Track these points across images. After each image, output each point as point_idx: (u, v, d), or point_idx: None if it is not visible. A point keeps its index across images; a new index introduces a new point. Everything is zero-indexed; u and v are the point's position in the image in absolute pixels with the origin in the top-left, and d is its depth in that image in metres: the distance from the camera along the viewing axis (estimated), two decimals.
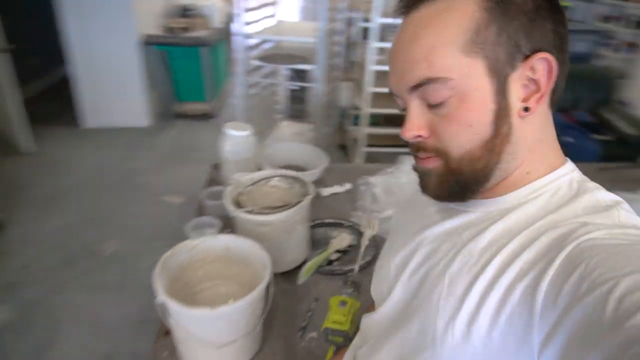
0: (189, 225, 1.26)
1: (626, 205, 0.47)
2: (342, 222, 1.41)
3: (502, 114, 0.48)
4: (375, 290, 0.69)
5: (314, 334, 0.99)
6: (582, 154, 2.93)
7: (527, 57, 0.47)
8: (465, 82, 0.47)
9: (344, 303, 0.82)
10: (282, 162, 1.72)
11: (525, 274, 0.44)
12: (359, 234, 1.34)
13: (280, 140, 2.62)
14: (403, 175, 1.41)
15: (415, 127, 0.51)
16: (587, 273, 0.38)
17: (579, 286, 0.38)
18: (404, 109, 0.53)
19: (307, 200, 1.11)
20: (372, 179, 1.45)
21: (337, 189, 1.61)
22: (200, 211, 1.41)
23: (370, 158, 2.97)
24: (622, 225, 0.44)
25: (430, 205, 0.61)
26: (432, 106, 0.49)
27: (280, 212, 1.08)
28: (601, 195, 0.48)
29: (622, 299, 0.35)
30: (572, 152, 2.35)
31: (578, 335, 0.37)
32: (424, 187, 0.55)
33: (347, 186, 1.62)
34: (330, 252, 1.24)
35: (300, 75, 3.58)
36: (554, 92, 0.50)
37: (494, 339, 0.44)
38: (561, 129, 3.04)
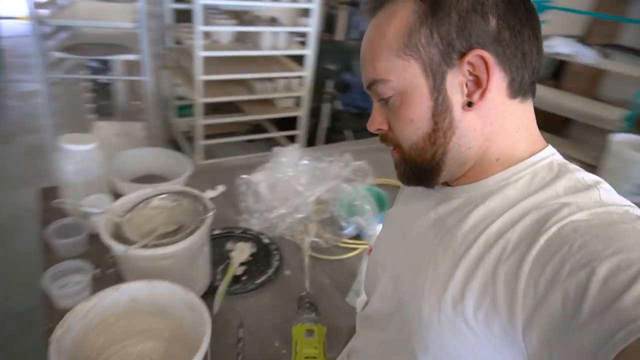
0: (47, 275, 0.96)
1: (606, 185, 0.50)
2: (233, 230, 1.27)
3: (440, 109, 0.51)
4: (366, 283, 0.72)
5: None
6: None
7: (463, 54, 0.48)
8: (402, 83, 0.51)
9: (310, 332, 0.73)
10: (135, 173, 1.45)
11: (508, 255, 0.45)
12: (257, 240, 1.24)
13: (105, 145, 2.22)
14: (288, 169, 1.34)
15: (375, 121, 0.57)
16: (570, 255, 0.40)
17: (561, 268, 0.40)
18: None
19: (210, 218, 0.96)
20: (254, 177, 1.34)
21: (210, 193, 1.44)
22: (49, 255, 1.09)
23: (209, 152, 2.78)
24: (604, 204, 0.46)
25: (416, 198, 0.64)
26: (384, 103, 0.54)
27: (182, 237, 0.90)
28: (581, 175, 0.50)
29: (606, 280, 0.37)
30: None
31: (560, 318, 0.39)
32: (397, 175, 0.60)
33: (221, 188, 1.47)
34: (235, 267, 1.11)
35: (105, 66, 3.09)
36: (511, 82, 0.50)
37: (479, 322, 0.46)
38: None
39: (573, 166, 0.53)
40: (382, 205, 1.32)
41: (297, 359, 0.69)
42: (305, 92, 2.82)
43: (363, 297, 0.96)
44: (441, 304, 0.49)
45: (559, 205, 0.46)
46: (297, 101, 2.93)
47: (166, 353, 0.83)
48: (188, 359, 0.80)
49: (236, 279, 1.10)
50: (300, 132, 2.96)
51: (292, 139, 3.04)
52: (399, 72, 0.51)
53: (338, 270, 1.18)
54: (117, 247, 0.86)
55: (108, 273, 1.08)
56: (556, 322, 0.39)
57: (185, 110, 3.30)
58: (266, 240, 1.23)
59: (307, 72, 2.75)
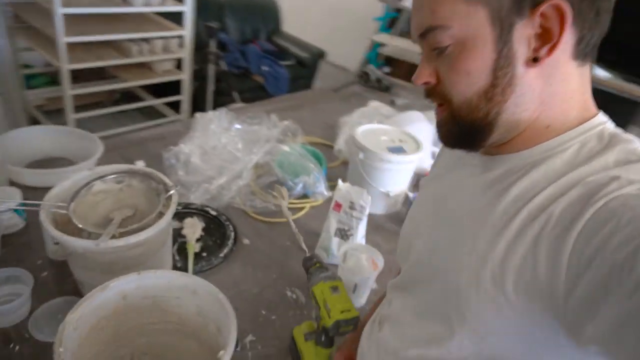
0: None
1: None
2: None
3: (503, 63, 0.47)
4: (400, 251, 0.69)
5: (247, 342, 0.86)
6: (279, 80, 3.31)
7: (537, 4, 0.44)
8: (464, 30, 0.47)
9: (335, 289, 0.73)
10: (28, 158, 1.22)
11: (551, 228, 0.43)
12: (203, 214, 1.16)
13: None
14: (221, 135, 1.26)
15: (424, 74, 0.52)
16: (618, 229, 0.38)
17: (609, 241, 0.38)
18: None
19: (175, 195, 0.87)
20: (185, 147, 1.23)
21: None
22: None
23: (80, 128, 2.42)
24: None
25: (454, 166, 0.62)
26: (439, 53, 0.50)
27: (153, 221, 0.81)
28: (635, 146, 0.46)
29: None
30: (270, 79, 2.72)
31: (605, 289, 0.38)
32: (439, 135, 0.56)
33: (141, 164, 1.32)
34: (193, 245, 1.04)
35: None
36: (579, 42, 0.47)
37: (519, 296, 0.45)
38: (257, 59, 3.29)
39: (626, 136, 0.48)
40: (320, 162, 1.34)
41: (333, 315, 0.69)
42: (186, 53, 2.61)
43: (338, 250, 0.99)
44: (480, 278, 0.48)
45: (607, 178, 0.42)
46: (178, 64, 2.71)
47: (167, 347, 0.76)
48: (199, 348, 0.75)
49: (197, 257, 1.03)
50: (184, 97, 2.76)
51: (174, 106, 2.82)
52: (463, 19, 0.46)
53: (292, 231, 1.18)
54: (83, 243, 0.73)
55: (42, 276, 0.91)
56: (601, 293, 0.38)
57: (35, 80, 2.80)
58: (213, 212, 1.17)
59: (187, 31, 2.54)
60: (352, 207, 1.02)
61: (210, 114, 1.34)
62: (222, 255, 1.04)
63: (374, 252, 1.00)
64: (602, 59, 2.95)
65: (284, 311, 0.95)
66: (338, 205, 1.03)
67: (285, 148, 1.32)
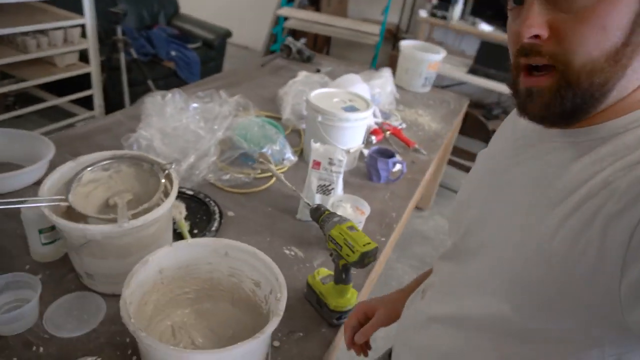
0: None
1: None
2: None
3: None
4: (452, 222, 0.67)
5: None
6: (190, 65, 3.21)
7: None
8: None
9: (352, 228, 0.80)
10: None
11: (614, 203, 0.40)
12: (180, 195, 1.16)
13: None
14: (181, 116, 1.25)
15: (535, 22, 0.43)
16: None
17: None
18: (520, 2, 0.46)
19: (174, 171, 0.88)
20: (145, 132, 1.21)
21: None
22: None
23: None
24: None
25: (515, 141, 0.58)
26: (555, 2, 0.42)
27: (158, 200, 0.82)
28: None
29: None
30: (181, 64, 2.74)
31: None
32: (524, 108, 0.48)
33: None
34: (184, 224, 1.04)
35: None
36: None
37: (568, 266, 0.43)
38: (165, 44, 3.15)
39: None
40: (279, 131, 1.39)
41: (357, 249, 0.77)
42: (90, 43, 2.43)
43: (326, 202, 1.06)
44: (529, 248, 0.46)
45: None
46: (82, 56, 2.50)
47: (203, 314, 0.79)
48: (233, 308, 0.79)
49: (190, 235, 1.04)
50: (95, 91, 2.57)
51: (84, 103, 2.62)
52: None
53: (270, 197, 1.23)
54: (105, 228, 0.72)
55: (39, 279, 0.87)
56: None
57: None
58: (190, 192, 1.17)
59: (88, 19, 2.36)
60: (331, 162, 1.09)
61: (160, 97, 1.31)
62: (213, 229, 1.06)
63: (358, 200, 1.10)
64: (483, 14, 3.32)
65: (289, 268, 1.01)
66: (317, 164, 1.10)
67: (245, 121, 1.35)
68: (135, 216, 0.77)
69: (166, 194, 0.83)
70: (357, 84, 1.60)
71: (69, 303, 0.82)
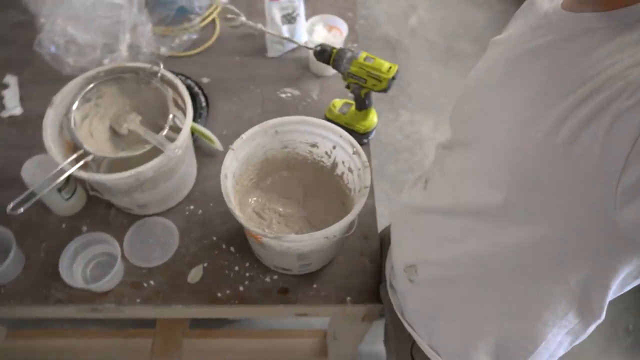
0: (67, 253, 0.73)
1: None
2: None
3: None
4: (456, 108, 0.65)
5: None
6: None
7: None
8: None
9: (367, 58, 0.81)
10: None
11: (626, 98, 0.38)
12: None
13: None
14: None
15: None
16: None
17: None
18: None
19: (169, 73, 0.78)
20: (52, 27, 0.97)
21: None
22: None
23: None
24: None
25: (531, 28, 0.54)
26: None
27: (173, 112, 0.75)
28: None
29: None
30: None
31: None
32: None
33: (12, 80, 1.04)
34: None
35: None
36: None
37: (571, 156, 0.42)
38: None
39: None
40: None
41: (384, 77, 0.80)
42: None
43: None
44: (532, 140, 0.46)
45: None
46: None
47: (271, 187, 0.84)
48: (291, 175, 0.84)
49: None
50: None
51: None
52: None
53: (230, 45, 1.13)
54: (153, 164, 0.68)
55: (84, 232, 0.84)
56: None
57: None
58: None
59: None
60: None
61: None
62: (204, 105, 1.00)
63: (330, 19, 1.06)
64: None
65: (294, 107, 1.03)
66: None
67: None
68: (168, 136, 0.72)
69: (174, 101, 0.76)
70: None
71: (136, 236, 0.82)
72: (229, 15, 0.93)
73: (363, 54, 0.83)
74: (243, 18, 0.94)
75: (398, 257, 0.70)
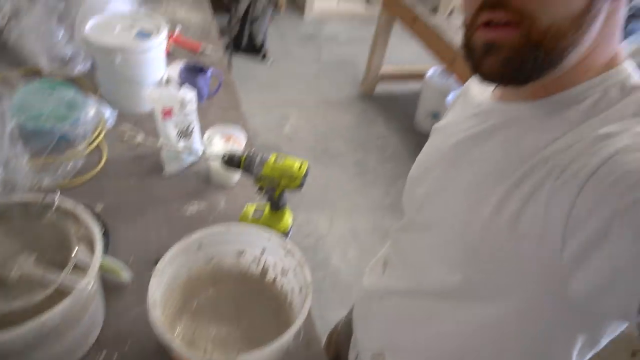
0: None
1: None
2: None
3: None
4: (407, 193, 0.68)
5: None
6: None
7: None
8: None
9: (277, 158, 0.82)
10: None
11: (557, 177, 0.42)
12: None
13: None
14: None
15: None
16: (625, 179, 0.37)
17: (614, 189, 0.37)
18: None
19: (85, 214, 0.69)
20: None
21: None
22: None
23: None
24: None
25: (468, 114, 0.59)
26: None
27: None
28: None
29: None
30: None
31: (605, 234, 0.37)
32: (480, 64, 0.46)
33: None
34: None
35: None
36: None
37: (516, 234, 0.45)
38: None
39: None
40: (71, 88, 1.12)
41: (298, 175, 0.80)
42: None
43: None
44: (479, 222, 0.48)
45: (622, 130, 0.41)
46: None
47: (200, 309, 0.75)
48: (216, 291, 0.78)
49: None
50: None
51: None
52: None
53: (121, 167, 1.07)
54: (79, 280, 0.57)
55: None
56: (600, 240, 0.38)
57: None
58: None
59: None
60: (183, 103, 1.00)
61: None
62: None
63: (227, 129, 1.07)
64: None
65: (202, 221, 0.98)
66: (168, 112, 0.99)
67: (21, 99, 1.03)
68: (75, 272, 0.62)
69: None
70: (113, 1, 1.34)
71: None
72: (127, 134, 0.89)
73: (273, 155, 0.85)
74: (141, 136, 0.91)
75: (364, 346, 0.67)
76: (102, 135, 1.09)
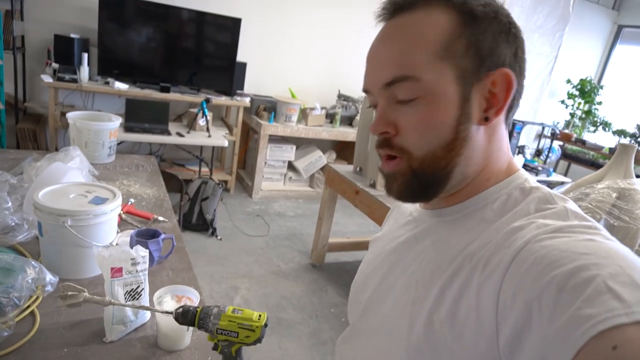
0: None
1: (571, 203, 0.51)
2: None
3: (463, 119, 0.51)
4: (350, 304, 0.72)
5: None
6: None
7: (489, 72, 0.51)
8: (435, 85, 0.50)
9: (234, 310, 0.77)
10: None
11: (481, 271, 0.47)
12: None
13: None
14: None
15: (383, 123, 0.53)
16: (535, 266, 0.41)
17: (527, 277, 0.41)
18: (374, 106, 0.57)
19: None
20: None
21: None
22: None
23: None
24: (568, 221, 0.47)
25: (401, 224, 0.67)
26: (402, 104, 0.52)
27: None
28: (550, 196, 0.52)
29: (562, 287, 0.38)
30: None
31: (528, 320, 0.40)
32: (389, 189, 0.57)
33: None
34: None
35: None
36: (510, 108, 0.54)
37: (455, 338, 0.47)
38: None
39: (543, 187, 0.54)
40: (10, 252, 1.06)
41: (257, 326, 0.75)
42: None
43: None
44: (421, 319, 0.51)
45: (529, 223, 0.47)
46: None
47: None
48: None
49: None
50: None
51: None
52: (434, 75, 0.50)
53: (56, 335, 0.96)
54: None
55: None
56: (525, 325, 0.40)
57: None
58: None
59: None
60: (134, 262, 0.97)
61: None
62: None
63: (178, 289, 1.03)
64: (112, 74, 3.34)
65: None
66: (118, 271, 0.95)
67: None
68: None
69: None
70: (69, 172, 1.39)
71: None
72: (70, 293, 0.82)
73: (230, 307, 0.81)
74: (86, 294, 0.85)
75: None
76: (38, 302, 1.00)
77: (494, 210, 0.52)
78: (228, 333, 0.78)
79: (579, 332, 0.35)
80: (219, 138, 3.53)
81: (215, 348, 0.81)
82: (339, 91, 4.50)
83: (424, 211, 0.62)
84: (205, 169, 3.71)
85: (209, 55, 3.77)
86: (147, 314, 1.03)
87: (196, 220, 3.20)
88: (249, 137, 4.35)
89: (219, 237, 3.16)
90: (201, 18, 3.61)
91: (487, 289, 0.45)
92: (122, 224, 1.46)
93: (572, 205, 0.50)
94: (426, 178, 0.53)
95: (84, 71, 3.21)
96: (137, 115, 3.22)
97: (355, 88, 4.51)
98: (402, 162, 0.54)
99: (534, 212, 0.50)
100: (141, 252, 0.99)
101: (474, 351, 0.46)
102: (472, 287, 0.47)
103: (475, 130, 0.52)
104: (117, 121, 2.06)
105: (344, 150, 4.61)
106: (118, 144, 3.42)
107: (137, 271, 0.98)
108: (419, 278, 0.55)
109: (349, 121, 4.33)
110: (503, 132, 0.56)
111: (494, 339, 0.44)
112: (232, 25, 3.68)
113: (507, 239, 0.47)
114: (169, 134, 3.29)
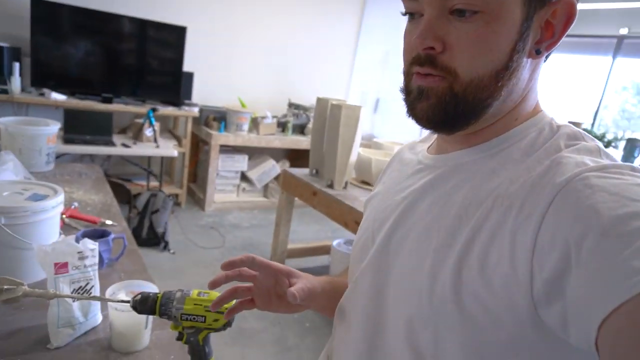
0: None
1: (599, 143, 0.48)
2: None
3: (520, 47, 0.46)
4: (354, 253, 0.66)
5: None
6: None
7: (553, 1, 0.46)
8: (501, 2, 0.44)
9: (201, 293, 0.69)
10: None
11: (516, 213, 0.43)
12: None
13: None
14: None
15: (432, 35, 0.46)
16: (577, 207, 0.38)
17: (567, 221, 0.39)
18: (409, 13, 0.50)
19: None
20: None
21: None
22: None
23: None
24: (604, 159, 0.44)
25: (403, 174, 0.61)
26: (456, 18, 0.45)
27: None
28: (581, 134, 0.49)
29: (607, 232, 0.36)
30: None
31: (567, 263, 0.38)
32: (414, 109, 0.50)
33: None
34: None
35: None
36: (555, 44, 0.48)
37: (486, 276, 0.44)
38: None
39: (570, 125, 0.51)
40: None
41: (224, 308, 0.69)
42: None
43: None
44: (446, 267, 0.47)
45: (566, 160, 0.44)
46: None
47: None
48: None
49: None
50: None
51: None
52: None
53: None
54: None
55: None
56: (564, 270, 0.38)
57: None
58: None
59: None
60: (82, 256, 0.87)
61: None
62: None
63: (133, 284, 0.94)
64: (47, 84, 3.13)
65: None
66: (63, 266, 0.85)
67: None
68: None
69: None
70: (1, 174, 1.25)
71: None
72: (6, 287, 0.72)
73: (195, 290, 0.74)
74: (25, 287, 0.74)
75: None
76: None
77: (522, 149, 0.48)
78: (194, 318, 0.71)
79: (626, 285, 0.33)
80: (168, 148, 3.39)
81: (179, 338, 0.74)
82: (290, 100, 4.48)
83: (439, 156, 0.56)
84: (154, 183, 3.54)
85: (153, 65, 3.63)
86: (99, 316, 0.93)
87: (147, 235, 3.02)
88: (199, 149, 4.21)
89: (172, 251, 3.00)
90: (144, 27, 3.48)
91: (523, 233, 0.42)
92: (66, 229, 1.33)
93: (602, 145, 0.47)
94: (464, 105, 0.47)
95: (15, 81, 2.99)
96: (78, 127, 3.03)
97: (305, 96, 4.50)
98: (444, 82, 0.47)
99: (564, 147, 0.46)
100: (90, 246, 0.89)
101: (505, 298, 0.42)
102: (506, 231, 0.43)
103: (525, 62, 0.47)
104: (54, 126, 1.91)
105: (297, 158, 4.57)
106: (57, 157, 3.20)
107: (85, 266, 0.88)
108: (441, 224, 0.49)
109: (300, 129, 4.31)
110: (540, 70, 0.52)
111: (527, 286, 0.41)
112: (176, 35, 3.57)
113: (543, 176, 0.43)
114: (113, 145, 3.11)
